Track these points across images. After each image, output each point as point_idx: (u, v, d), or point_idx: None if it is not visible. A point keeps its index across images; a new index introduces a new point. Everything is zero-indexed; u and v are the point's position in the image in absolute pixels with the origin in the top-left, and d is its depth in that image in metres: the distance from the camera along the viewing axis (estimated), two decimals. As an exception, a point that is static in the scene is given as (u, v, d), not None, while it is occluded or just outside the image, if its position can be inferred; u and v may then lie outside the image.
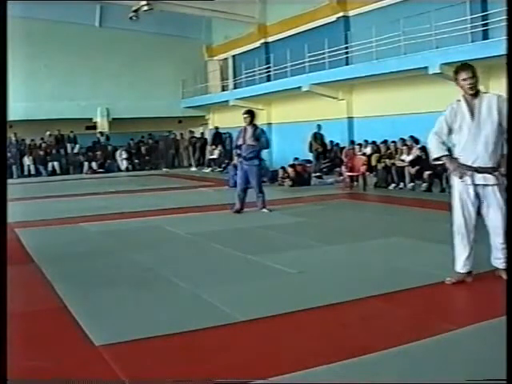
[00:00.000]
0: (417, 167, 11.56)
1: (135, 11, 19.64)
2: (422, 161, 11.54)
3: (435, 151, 4.30)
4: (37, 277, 5.01)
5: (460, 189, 4.21)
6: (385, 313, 3.82)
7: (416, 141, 12.89)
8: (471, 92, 4.14)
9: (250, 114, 8.82)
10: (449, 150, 4.29)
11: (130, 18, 19.89)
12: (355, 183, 12.75)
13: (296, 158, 14.64)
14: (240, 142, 8.76)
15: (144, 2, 19.02)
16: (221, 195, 12.15)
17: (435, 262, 4.92)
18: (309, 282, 4.63)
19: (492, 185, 4.11)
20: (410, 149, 12.24)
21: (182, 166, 23.11)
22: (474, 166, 4.12)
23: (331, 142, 17.10)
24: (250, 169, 8.71)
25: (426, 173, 11.15)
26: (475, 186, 4.16)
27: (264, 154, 9.55)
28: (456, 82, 4.25)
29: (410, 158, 11.97)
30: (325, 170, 15.88)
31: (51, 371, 2.93)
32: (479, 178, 4.13)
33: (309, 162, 15.86)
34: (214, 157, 21.34)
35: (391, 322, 3.65)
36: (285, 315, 3.70)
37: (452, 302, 3.87)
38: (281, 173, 14.00)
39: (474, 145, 4.12)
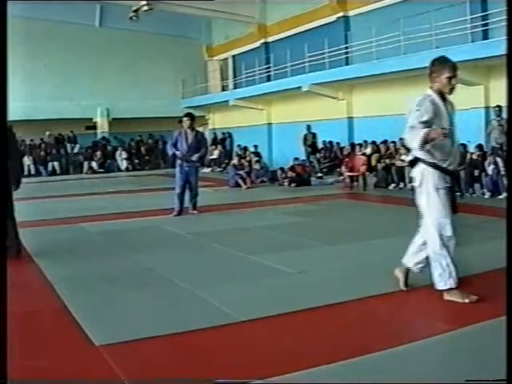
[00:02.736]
0: (417, 167, 11.54)
1: (135, 11, 19.65)
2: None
3: (416, 137, 3.75)
4: (37, 277, 5.01)
5: (440, 188, 3.89)
6: (385, 313, 3.83)
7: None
8: (448, 93, 3.95)
9: (190, 117, 8.99)
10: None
11: (130, 17, 19.90)
12: (355, 183, 12.76)
13: (296, 158, 14.65)
14: (182, 144, 8.85)
15: (144, 2, 19.02)
16: (220, 195, 12.16)
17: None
18: (309, 282, 4.63)
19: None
20: (408, 149, 12.24)
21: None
22: (450, 168, 3.93)
23: (330, 142, 17.14)
24: (190, 170, 8.86)
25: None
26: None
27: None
28: (435, 75, 3.91)
29: (410, 158, 11.95)
30: (325, 170, 15.92)
31: (51, 371, 2.93)
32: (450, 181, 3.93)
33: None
34: (214, 157, 21.35)
35: (391, 322, 3.65)
36: (285, 315, 3.70)
37: (452, 302, 3.86)
38: (280, 173, 14.03)
39: (451, 146, 3.93)
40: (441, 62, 3.95)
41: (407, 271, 4.19)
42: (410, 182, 12.69)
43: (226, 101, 21.08)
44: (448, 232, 3.85)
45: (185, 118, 8.96)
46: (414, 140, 3.80)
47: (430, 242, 3.93)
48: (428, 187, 3.91)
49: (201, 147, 8.99)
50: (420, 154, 3.98)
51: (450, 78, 3.89)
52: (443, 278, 3.87)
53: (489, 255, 4.29)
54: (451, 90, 3.94)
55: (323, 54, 17.04)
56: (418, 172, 4.02)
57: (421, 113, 3.80)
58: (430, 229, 3.89)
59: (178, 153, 8.89)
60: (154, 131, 23.43)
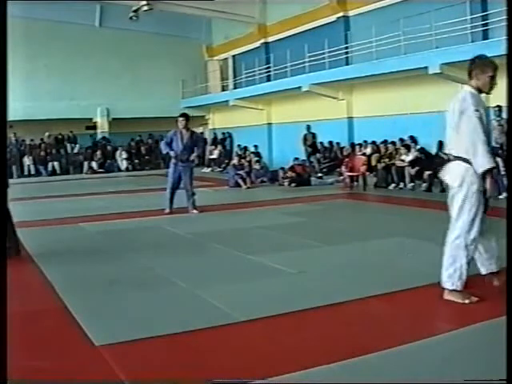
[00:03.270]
0: (416, 167, 11.56)
1: (135, 11, 19.65)
2: (421, 161, 11.54)
3: (487, 161, 3.68)
4: (37, 277, 5.01)
5: (480, 190, 3.80)
6: (385, 313, 3.82)
7: (415, 141, 12.90)
8: (487, 92, 3.92)
9: (186, 117, 9.10)
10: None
11: (130, 17, 19.90)
12: (355, 183, 12.75)
13: (296, 158, 14.66)
14: (177, 144, 8.92)
15: (144, 2, 19.03)
16: (220, 195, 12.16)
17: (435, 262, 4.91)
18: (309, 282, 4.63)
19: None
20: (408, 149, 12.25)
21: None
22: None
23: (330, 142, 17.15)
24: (184, 170, 8.97)
25: (426, 173, 11.15)
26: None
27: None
28: (477, 72, 3.88)
29: (410, 158, 11.98)
30: (325, 170, 15.93)
31: (51, 371, 2.93)
32: None
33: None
34: (214, 157, 21.35)
35: (391, 322, 3.65)
36: (285, 315, 3.70)
37: (452, 302, 3.86)
38: (281, 173, 14.03)
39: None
40: (483, 60, 3.94)
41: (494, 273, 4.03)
42: (411, 182, 12.65)
43: (226, 101, 21.09)
44: (472, 235, 3.82)
45: (180, 118, 9.03)
46: (485, 157, 3.69)
47: (451, 240, 3.88)
48: (470, 188, 3.79)
49: (196, 147, 9.05)
50: (464, 154, 3.80)
51: (492, 77, 3.87)
52: (452, 279, 3.85)
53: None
54: (491, 89, 3.92)
55: (323, 54, 17.05)
56: (458, 172, 3.85)
57: (480, 113, 3.74)
58: (457, 229, 3.85)
59: (171, 153, 8.94)
60: (154, 131, 23.41)
